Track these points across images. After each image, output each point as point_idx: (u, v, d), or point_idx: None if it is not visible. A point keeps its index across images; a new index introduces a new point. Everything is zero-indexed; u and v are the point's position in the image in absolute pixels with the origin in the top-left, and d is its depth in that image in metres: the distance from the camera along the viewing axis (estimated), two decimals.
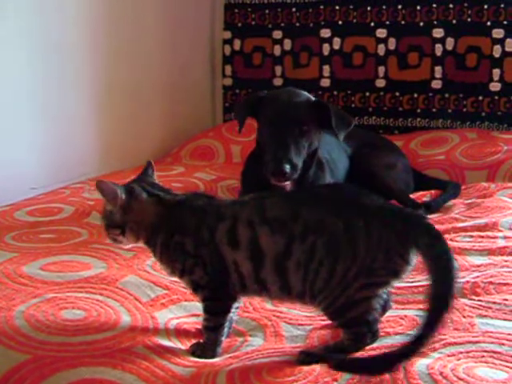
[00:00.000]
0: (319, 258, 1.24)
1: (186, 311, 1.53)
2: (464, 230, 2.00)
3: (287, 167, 2.00)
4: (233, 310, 1.38)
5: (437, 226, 2.02)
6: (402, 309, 1.47)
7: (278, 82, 3.46)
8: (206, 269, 1.33)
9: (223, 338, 1.37)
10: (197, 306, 1.54)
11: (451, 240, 1.90)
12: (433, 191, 2.54)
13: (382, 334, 1.32)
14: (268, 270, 1.28)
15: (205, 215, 1.34)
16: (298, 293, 1.28)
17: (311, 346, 1.35)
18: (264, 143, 2.13)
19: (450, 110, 3.22)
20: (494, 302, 1.42)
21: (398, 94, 3.29)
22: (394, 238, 1.23)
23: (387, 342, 1.30)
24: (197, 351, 1.35)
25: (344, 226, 1.24)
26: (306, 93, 2.21)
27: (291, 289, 1.28)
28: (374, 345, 1.28)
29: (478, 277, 1.57)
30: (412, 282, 1.61)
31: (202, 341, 1.38)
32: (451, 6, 3.15)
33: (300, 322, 1.45)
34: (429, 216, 2.26)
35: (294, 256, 1.26)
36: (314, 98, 2.20)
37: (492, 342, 1.22)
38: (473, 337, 1.25)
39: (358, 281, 1.24)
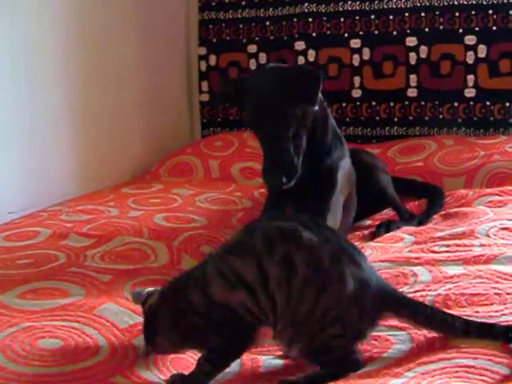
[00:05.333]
0: (302, 275, 1.23)
1: None
2: (442, 239, 1.98)
3: (283, 180, 1.93)
4: None
5: (416, 237, 2.07)
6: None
7: None
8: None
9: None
10: None
11: (428, 250, 1.90)
12: (416, 202, 2.55)
13: None
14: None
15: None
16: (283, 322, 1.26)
17: (290, 374, 1.31)
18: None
19: (426, 118, 3.24)
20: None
21: (374, 103, 3.31)
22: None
23: None
24: (177, 383, 1.31)
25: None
26: (281, 71, 2.06)
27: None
28: None
29: (450, 289, 1.55)
30: None
31: (185, 373, 1.33)
32: (423, 14, 3.18)
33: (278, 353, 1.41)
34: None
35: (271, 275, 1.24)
36: (286, 77, 1.98)
37: (466, 358, 1.22)
38: (447, 353, 1.25)
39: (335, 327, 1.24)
